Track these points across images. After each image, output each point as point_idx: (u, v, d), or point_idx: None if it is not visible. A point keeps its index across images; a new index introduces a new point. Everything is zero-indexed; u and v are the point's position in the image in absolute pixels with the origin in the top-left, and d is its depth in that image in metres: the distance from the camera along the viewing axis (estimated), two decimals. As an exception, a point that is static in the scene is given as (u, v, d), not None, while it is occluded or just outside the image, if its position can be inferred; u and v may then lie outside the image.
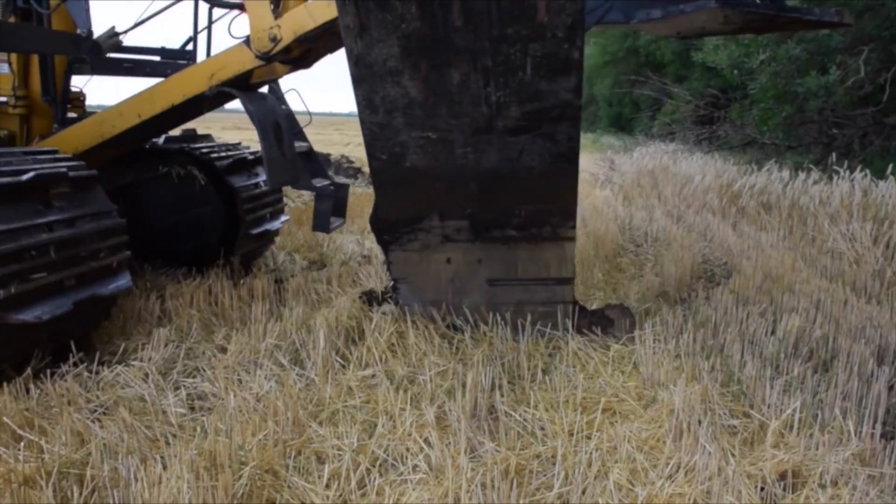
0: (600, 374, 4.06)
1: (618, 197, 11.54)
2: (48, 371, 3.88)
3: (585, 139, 36.41)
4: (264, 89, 5.68)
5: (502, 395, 3.74)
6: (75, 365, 3.88)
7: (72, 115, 5.92)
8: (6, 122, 5.78)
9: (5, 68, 5.63)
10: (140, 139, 5.80)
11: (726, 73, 14.63)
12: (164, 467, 2.90)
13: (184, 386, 3.82)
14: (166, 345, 4.28)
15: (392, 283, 4.70)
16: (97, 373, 3.93)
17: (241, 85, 5.15)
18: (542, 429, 3.42)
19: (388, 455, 3.14)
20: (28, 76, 5.71)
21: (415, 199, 4.37)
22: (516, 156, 4.08)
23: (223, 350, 4.28)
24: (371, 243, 7.41)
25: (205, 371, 4.00)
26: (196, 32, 6.18)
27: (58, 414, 3.33)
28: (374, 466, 3.08)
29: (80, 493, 2.76)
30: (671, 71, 25.73)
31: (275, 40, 4.84)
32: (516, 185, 4.23)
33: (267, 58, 4.93)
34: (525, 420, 3.49)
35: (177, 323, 4.53)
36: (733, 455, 3.15)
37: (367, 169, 15.47)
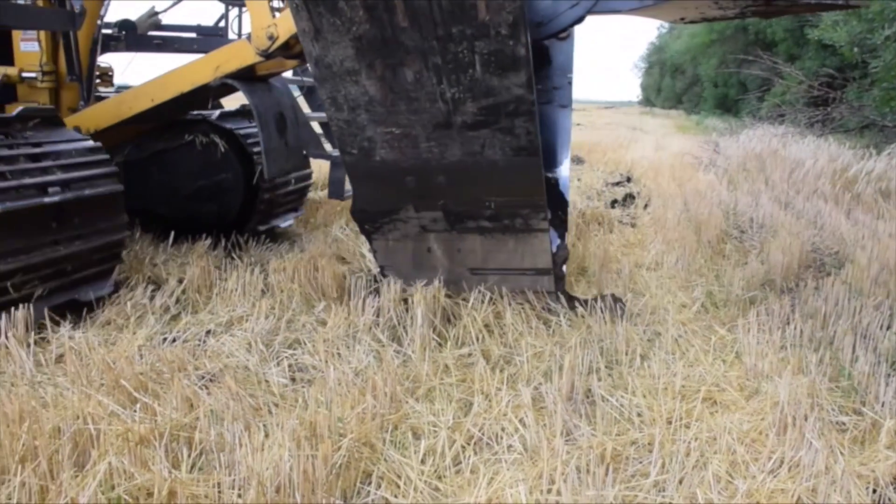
0: (701, 362, 3.96)
1: (722, 181, 11.17)
2: (161, 338, 4.08)
3: (688, 121, 35.40)
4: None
5: (599, 379, 3.70)
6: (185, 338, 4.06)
7: (104, 89, 6.38)
8: (36, 95, 6.13)
9: (35, 46, 6.00)
10: (152, 121, 6.13)
11: (845, 50, 13.86)
12: (267, 435, 3.00)
13: (285, 357, 3.94)
14: (268, 316, 4.42)
15: (380, 269, 4.82)
16: (204, 342, 4.11)
17: (245, 77, 5.39)
18: (640, 415, 3.37)
19: (483, 434, 3.16)
20: (56, 53, 6.03)
21: (389, 192, 4.47)
22: (478, 150, 4.12)
23: (323, 323, 4.38)
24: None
25: (305, 343, 4.11)
26: (227, 10, 6.47)
27: (169, 379, 3.49)
28: (468, 444, 3.10)
29: (189, 455, 2.88)
30: (783, 49, 24.59)
31: (272, 38, 5.11)
32: (482, 177, 4.27)
33: (266, 55, 5.20)
34: (622, 405, 3.44)
35: (279, 296, 4.65)
36: (842, 453, 3.02)
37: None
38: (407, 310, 4.43)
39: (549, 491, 2.74)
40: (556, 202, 5.37)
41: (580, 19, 4.83)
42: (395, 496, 2.78)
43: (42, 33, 5.89)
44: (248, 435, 2.96)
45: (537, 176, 4.25)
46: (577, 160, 14.23)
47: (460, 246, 4.61)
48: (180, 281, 4.98)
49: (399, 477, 2.88)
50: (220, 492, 2.68)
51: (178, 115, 6.27)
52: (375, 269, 4.93)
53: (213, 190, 6.24)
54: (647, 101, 69.07)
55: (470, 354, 3.99)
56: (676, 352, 4.12)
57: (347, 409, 3.20)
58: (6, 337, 3.86)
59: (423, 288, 4.48)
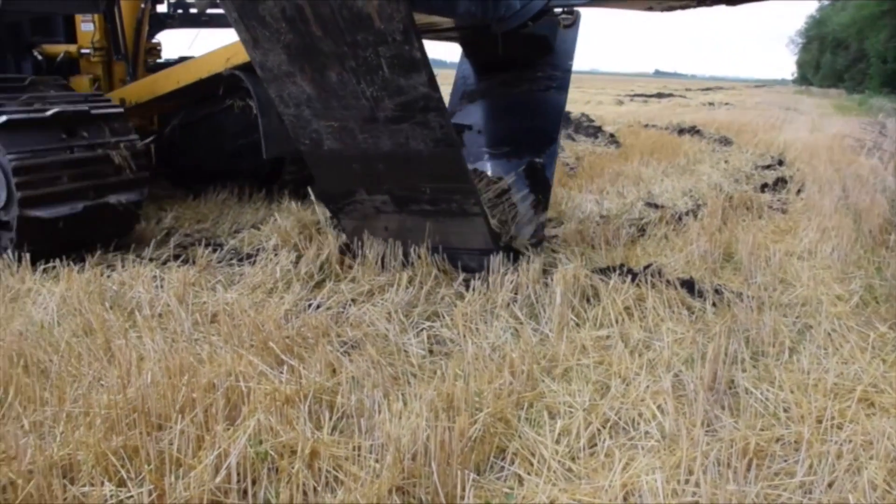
0: (856, 359, 3.73)
1: (888, 166, 10.42)
2: (307, 304, 4.25)
3: (849, 101, 33.13)
4: None
5: (744, 371, 3.55)
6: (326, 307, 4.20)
7: (161, 61, 7.42)
8: (92, 68, 7.11)
9: (91, 26, 6.95)
10: (180, 100, 6.96)
11: None
12: (405, 404, 3.07)
13: (424, 329, 4.01)
14: (408, 288, 4.51)
15: (346, 243, 5.14)
16: (346, 310, 4.24)
17: (252, 69, 5.42)
18: (787, 411, 3.21)
19: (619, 418, 3.11)
20: (106, 32, 6.92)
21: (341, 177, 4.85)
22: (404, 141, 4.43)
23: (461, 297, 4.43)
24: (609, 203, 7.29)
25: (444, 316, 4.17)
26: None
27: (313, 344, 3.63)
28: (604, 427, 3.06)
29: (331, 417, 2.99)
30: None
31: None
32: (412, 166, 4.55)
33: None
34: (767, 399, 3.29)
35: (419, 268, 4.73)
36: None
37: (607, 128, 15.22)
38: (546, 287, 4.41)
39: (686, 482, 2.67)
40: (540, 186, 5.85)
41: (542, 13, 5.29)
42: (528, 473, 2.78)
43: (95, 15, 6.76)
44: (387, 403, 3.05)
45: (459, 164, 4.52)
46: (725, 141, 13.66)
47: (410, 226, 4.87)
48: (319, 248, 5.14)
49: (533, 454, 2.88)
50: (358, 455, 2.77)
51: (198, 97, 6.98)
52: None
53: (251, 148, 6.63)
54: (802, 80, 65.32)
55: (608, 336, 3.92)
56: (829, 347, 3.89)
57: (484, 384, 3.23)
58: (168, 296, 4.13)
59: (563, 267, 4.44)
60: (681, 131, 15.18)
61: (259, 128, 6.29)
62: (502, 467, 2.83)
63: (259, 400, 3.01)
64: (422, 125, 4.33)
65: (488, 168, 6.04)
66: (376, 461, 2.72)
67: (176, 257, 5.28)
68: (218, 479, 2.54)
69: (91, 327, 3.85)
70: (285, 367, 3.36)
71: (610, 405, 3.18)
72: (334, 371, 3.38)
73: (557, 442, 2.95)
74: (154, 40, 7.80)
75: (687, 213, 6.83)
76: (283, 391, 3.07)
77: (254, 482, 2.61)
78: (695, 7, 5.32)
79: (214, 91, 6.68)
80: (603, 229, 5.98)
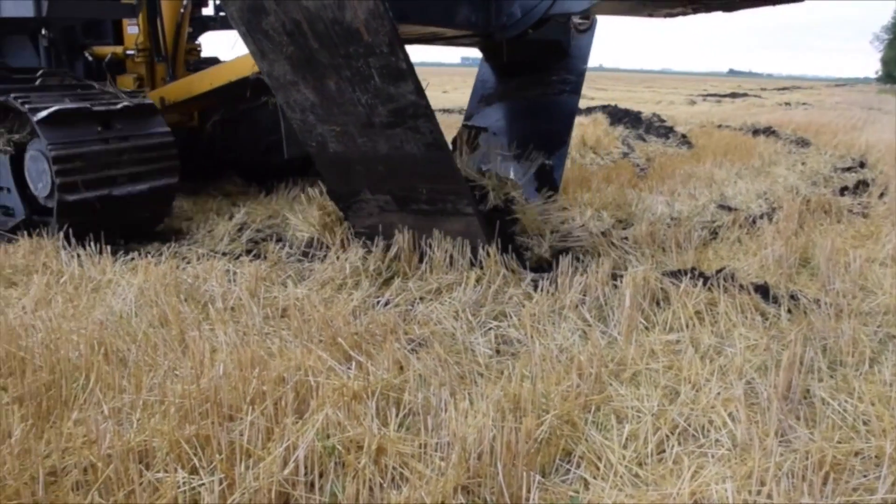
0: (944, 371, 3.57)
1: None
2: (375, 301, 4.29)
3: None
4: None
5: (820, 380, 3.45)
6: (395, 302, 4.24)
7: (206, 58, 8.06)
8: (136, 68, 7.59)
9: (135, 28, 7.45)
10: (212, 101, 7.37)
11: None
12: (471, 403, 3.08)
13: (491, 328, 4.00)
14: (475, 287, 4.51)
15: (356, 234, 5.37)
16: (414, 308, 4.27)
17: None
18: (867, 424, 3.10)
19: (689, 424, 3.05)
20: (149, 34, 7.39)
21: (347, 177, 5.13)
22: (399, 145, 4.67)
23: (529, 297, 4.41)
24: (680, 205, 7.16)
25: (511, 316, 4.16)
26: None
27: (381, 341, 3.66)
28: (673, 434, 3.00)
29: (397, 414, 3.01)
30: None
31: None
32: (408, 168, 4.79)
33: None
34: (845, 411, 3.18)
35: (488, 267, 4.73)
36: None
37: (679, 128, 14.95)
38: (615, 289, 4.36)
39: (758, 493, 2.60)
40: (549, 186, 6.26)
41: (543, 20, 5.49)
42: (594, 477, 2.75)
43: (141, 19, 7.26)
44: (454, 401, 3.05)
45: (450, 167, 4.75)
46: (802, 142, 13.26)
47: (412, 224, 5.04)
48: (387, 248, 5.17)
49: (599, 458, 2.84)
50: (424, 452, 2.78)
51: (227, 100, 7.38)
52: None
53: (282, 143, 7.02)
54: (887, 78, 62.91)
55: (678, 341, 3.85)
56: (914, 358, 3.74)
57: (551, 386, 3.21)
58: (241, 290, 4.22)
59: (633, 269, 4.39)
60: (755, 132, 14.81)
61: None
62: (568, 470, 2.80)
63: (327, 395, 3.05)
64: (413, 130, 4.58)
65: (502, 169, 6.08)
66: (441, 459, 2.73)
67: (248, 252, 5.40)
68: (286, 472, 2.58)
69: (167, 318, 3.96)
70: (353, 363, 3.40)
71: (679, 411, 3.12)
72: (401, 368, 3.41)
73: (625, 447, 2.91)
74: (197, 42, 8.39)
75: (761, 217, 6.66)
76: (350, 387, 3.10)
77: (321, 475, 2.65)
78: (692, 13, 5.37)
79: (243, 93, 7.03)
80: (674, 232, 5.87)
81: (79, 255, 5.11)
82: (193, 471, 2.63)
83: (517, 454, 2.68)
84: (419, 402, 3.09)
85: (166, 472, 2.63)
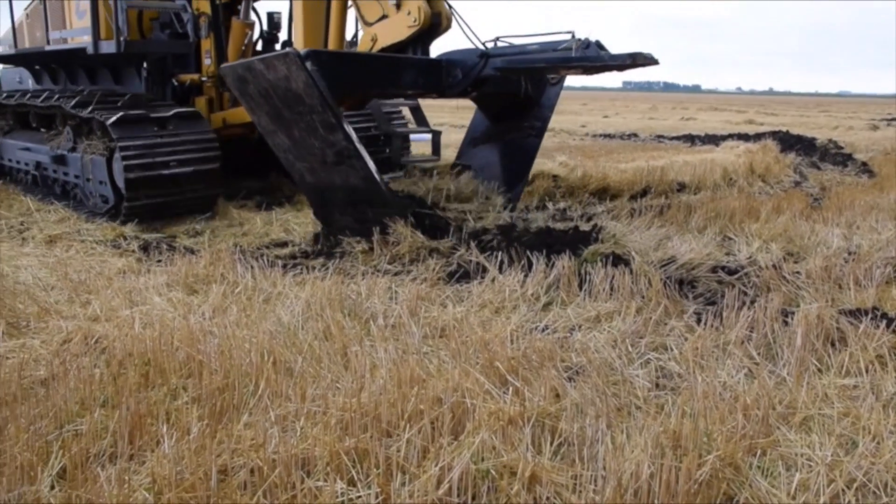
0: None
1: None
2: (532, 326, 4.28)
3: None
4: None
5: None
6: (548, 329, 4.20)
7: None
8: (209, 92, 8.92)
9: (209, 60, 8.73)
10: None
11: None
12: (628, 437, 2.99)
13: (650, 360, 3.89)
14: (636, 316, 4.40)
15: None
16: (572, 335, 4.22)
17: None
18: None
19: (868, 479, 2.82)
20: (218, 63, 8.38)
21: (322, 202, 6.53)
22: (346, 178, 6.05)
23: (691, 330, 4.25)
24: (860, 238, 6.69)
25: (672, 349, 4.02)
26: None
27: (538, 367, 3.64)
28: (849, 488, 2.78)
29: (552, 442, 2.98)
30: None
31: None
32: (358, 196, 6.12)
33: None
34: None
35: (649, 297, 4.60)
36: None
37: (858, 155, 14.04)
38: (785, 326, 4.13)
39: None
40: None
41: (478, 82, 6.91)
42: (760, 527, 2.60)
43: (212, 52, 8.62)
44: (611, 434, 2.98)
45: (385, 196, 6.01)
46: None
47: (379, 241, 6.02)
48: (547, 270, 5.16)
49: (765, 507, 2.69)
50: (578, 483, 2.73)
51: None
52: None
53: None
54: None
55: (856, 386, 3.59)
56: None
57: (714, 425, 3.07)
58: (402, 308, 4.33)
59: (806, 306, 4.14)
60: (949, 161, 13.64)
61: None
62: (730, 516, 2.67)
63: (483, 418, 3.06)
64: (351, 167, 5.94)
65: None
66: (595, 493, 2.67)
67: (408, 272, 5.54)
68: (440, 491, 2.61)
69: (330, 332, 4.12)
70: (510, 388, 3.40)
71: (857, 464, 2.89)
72: (558, 396, 3.37)
73: (793, 497, 2.73)
74: None
75: (955, 255, 6.10)
76: (506, 411, 3.10)
77: (473, 497, 2.66)
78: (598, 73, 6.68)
79: None
80: (852, 267, 5.48)
81: (252, 268, 5.43)
82: (351, 482, 2.72)
83: (676, 494, 2.59)
84: (574, 432, 3.04)
85: (325, 481, 2.73)
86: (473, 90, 7.15)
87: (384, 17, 6.91)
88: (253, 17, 9.04)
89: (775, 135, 17.57)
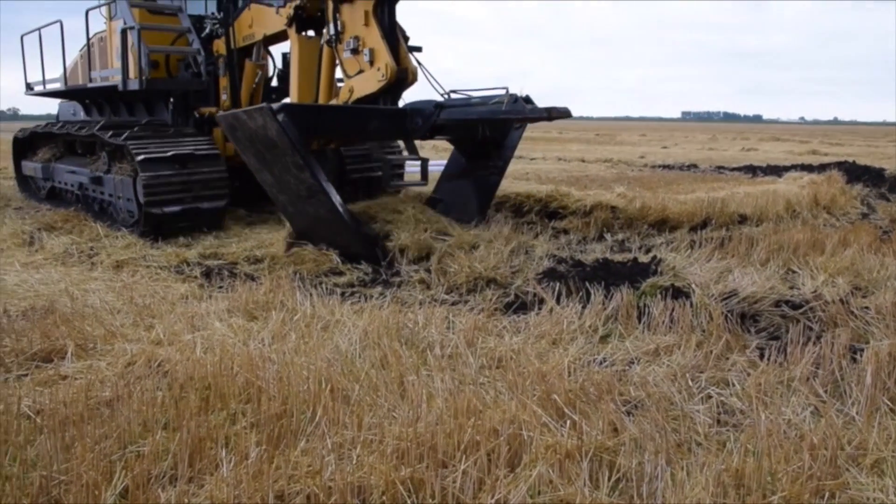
0: None
1: None
2: (590, 358, 4.23)
3: None
4: None
5: None
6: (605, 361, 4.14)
7: None
8: None
9: (226, 96, 9.74)
10: None
11: None
12: (689, 474, 2.92)
13: (711, 395, 3.80)
14: (696, 350, 4.32)
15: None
16: (630, 368, 4.16)
17: None
18: None
19: (944, 526, 2.70)
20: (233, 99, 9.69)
21: (303, 228, 7.63)
22: (317, 209, 7.18)
23: (754, 365, 4.15)
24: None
25: (733, 384, 3.92)
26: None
27: (595, 400, 3.59)
28: (924, 534, 2.67)
29: (609, 478, 2.92)
30: None
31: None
32: (327, 225, 7.25)
33: None
34: None
35: (710, 331, 4.51)
36: None
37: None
38: (854, 363, 4.00)
39: None
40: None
41: (436, 128, 8.04)
42: (828, 572, 2.50)
43: (228, 89, 9.70)
44: (670, 470, 2.92)
45: (348, 227, 7.11)
46: None
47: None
48: (605, 302, 5.11)
49: (834, 552, 2.59)
50: (636, 521, 2.67)
51: None
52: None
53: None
54: None
55: (930, 428, 3.44)
56: None
57: (778, 464, 2.97)
58: (458, 338, 4.33)
59: (875, 343, 4.00)
60: None
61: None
62: (796, 560, 2.57)
63: (540, 451, 3.03)
64: (319, 202, 7.04)
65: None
66: (655, 531, 2.61)
67: (465, 301, 5.53)
68: (496, 524, 2.58)
69: (387, 361, 4.14)
70: (567, 421, 3.35)
71: (933, 509, 2.77)
72: (616, 430, 3.31)
73: (864, 541, 2.63)
74: None
75: None
76: (563, 445, 3.06)
77: (530, 532, 2.62)
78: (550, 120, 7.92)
79: None
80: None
81: (311, 295, 5.50)
82: (407, 512, 2.71)
83: (739, 535, 2.51)
84: (633, 468, 2.99)
85: (381, 510, 2.72)
86: (432, 135, 8.34)
87: (360, 71, 7.87)
88: (265, 58, 10.15)
89: (841, 165, 17.15)
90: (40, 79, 12.68)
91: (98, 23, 10.87)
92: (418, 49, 8.24)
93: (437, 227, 7.75)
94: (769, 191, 12.25)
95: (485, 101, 7.67)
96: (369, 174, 10.70)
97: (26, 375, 4.09)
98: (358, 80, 7.88)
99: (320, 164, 9.66)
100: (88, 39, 11.12)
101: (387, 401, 3.59)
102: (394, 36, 7.77)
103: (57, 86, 12.52)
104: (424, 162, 8.81)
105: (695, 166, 20.92)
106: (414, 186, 9.31)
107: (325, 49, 8.39)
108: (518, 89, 7.63)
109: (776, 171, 18.14)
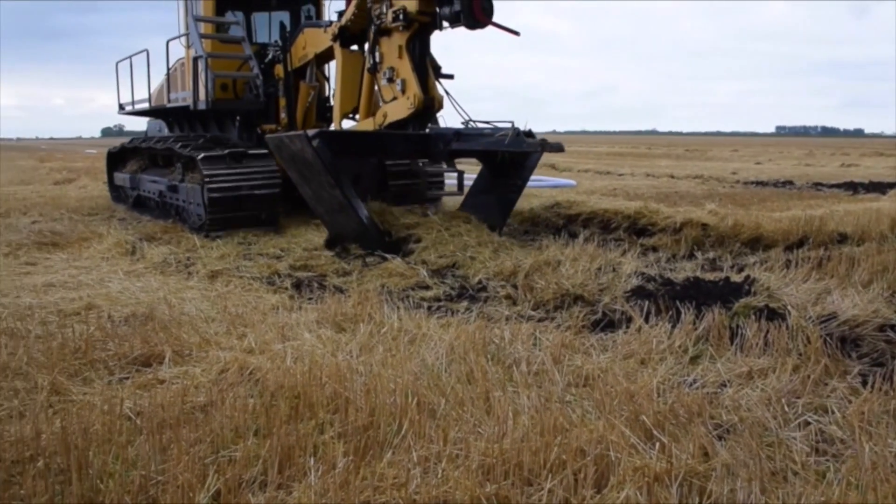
0: None
1: None
2: (680, 379, 4.13)
3: None
4: None
5: None
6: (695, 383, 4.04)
7: None
8: None
9: (284, 114, 11.14)
10: None
11: None
12: (788, 504, 2.81)
13: (809, 422, 3.65)
14: (792, 375, 4.16)
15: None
16: (722, 390, 4.04)
17: None
18: None
19: None
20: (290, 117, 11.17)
21: (338, 235, 8.64)
22: (347, 221, 8.41)
23: (856, 392, 3.96)
24: None
25: (833, 412, 3.75)
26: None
27: (686, 423, 3.50)
28: None
29: (700, 503, 2.84)
30: None
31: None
32: (356, 232, 8.37)
33: None
34: None
35: (808, 354, 4.34)
36: None
37: None
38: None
39: None
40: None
41: (454, 153, 9.41)
42: None
43: (284, 108, 11.05)
44: (765, 499, 2.82)
45: (375, 239, 8.25)
46: None
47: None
48: (696, 321, 4.98)
49: None
50: (729, 551, 2.59)
51: None
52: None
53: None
54: None
55: None
56: None
57: (886, 500, 2.83)
58: (545, 355, 4.29)
59: None
60: None
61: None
62: None
63: (628, 473, 2.97)
64: (348, 215, 8.30)
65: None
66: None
67: (552, 318, 5.49)
68: (583, 547, 2.54)
69: (473, 376, 4.13)
70: (656, 443, 3.28)
71: None
72: (706, 455, 3.21)
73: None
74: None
75: None
76: (652, 467, 2.99)
77: (617, 556, 2.57)
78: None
79: None
80: None
81: (399, 309, 5.56)
82: (492, 529, 2.69)
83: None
84: (725, 494, 2.89)
85: (466, 526, 2.71)
86: (452, 157, 9.71)
87: (394, 98, 8.91)
88: (320, 79, 11.44)
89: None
90: (130, 100, 14.55)
91: (179, 50, 12.63)
92: (450, 77, 9.39)
93: (461, 239, 8.42)
94: (872, 209, 11.75)
95: (493, 132, 8.78)
96: (410, 185, 11.74)
97: (127, 378, 4.27)
98: (391, 106, 8.97)
99: (363, 176, 10.78)
100: (169, 65, 12.77)
101: (472, 416, 3.59)
102: (423, 67, 8.78)
103: (143, 105, 14.14)
104: (460, 174, 10.48)
105: (790, 183, 20.22)
106: (450, 196, 10.91)
107: (366, 75, 9.48)
108: (523, 124, 8.87)
109: (879, 188, 17.39)
